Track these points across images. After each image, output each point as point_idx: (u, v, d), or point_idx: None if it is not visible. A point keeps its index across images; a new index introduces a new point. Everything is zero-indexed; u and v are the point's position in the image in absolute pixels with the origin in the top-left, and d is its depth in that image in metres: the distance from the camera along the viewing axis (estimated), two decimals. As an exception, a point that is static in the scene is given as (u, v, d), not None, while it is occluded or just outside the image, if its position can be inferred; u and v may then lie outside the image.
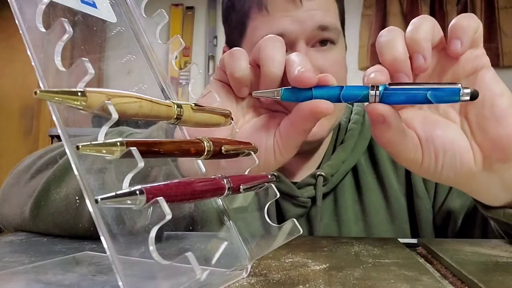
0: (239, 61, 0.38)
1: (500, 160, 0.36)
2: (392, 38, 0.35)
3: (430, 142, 0.36)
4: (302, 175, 0.63)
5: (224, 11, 0.64)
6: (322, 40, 0.57)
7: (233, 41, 0.62)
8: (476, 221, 0.57)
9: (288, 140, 0.38)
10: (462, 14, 0.35)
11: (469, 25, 0.34)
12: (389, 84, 0.32)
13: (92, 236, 0.44)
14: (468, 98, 0.31)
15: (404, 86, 0.32)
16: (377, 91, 0.32)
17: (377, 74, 0.33)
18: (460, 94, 0.31)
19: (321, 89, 0.34)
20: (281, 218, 0.61)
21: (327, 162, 0.62)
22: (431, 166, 0.36)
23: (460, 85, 0.31)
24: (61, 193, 0.47)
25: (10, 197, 0.54)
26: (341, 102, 0.34)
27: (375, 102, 0.33)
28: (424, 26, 0.35)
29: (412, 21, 0.36)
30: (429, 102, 0.32)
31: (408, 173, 0.63)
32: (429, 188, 0.62)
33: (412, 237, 0.62)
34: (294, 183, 0.61)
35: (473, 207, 0.58)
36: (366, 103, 0.34)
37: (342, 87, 0.34)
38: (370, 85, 0.33)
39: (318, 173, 0.60)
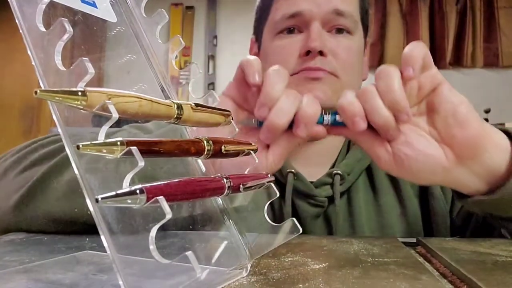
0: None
1: (469, 157, 0.41)
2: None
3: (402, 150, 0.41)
4: (315, 173, 0.62)
5: (258, 3, 0.68)
6: (339, 29, 0.59)
7: (258, 29, 0.67)
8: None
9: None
10: (410, 44, 0.40)
11: (418, 53, 0.39)
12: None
13: (91, 229, 0.44)
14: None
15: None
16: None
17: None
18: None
19: None
20: (296, 219, 0.60)
21: (343, 161, 0.62)
22: (404, 168, 0.41)
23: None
24: (62, 181, 0.46)
25: None
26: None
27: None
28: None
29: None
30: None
31: None
32: (446, 191, 0.62)
33: None
34: (310, 182, 0.61)
35: None
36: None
37: None
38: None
39: (335, 171, 0.60)
